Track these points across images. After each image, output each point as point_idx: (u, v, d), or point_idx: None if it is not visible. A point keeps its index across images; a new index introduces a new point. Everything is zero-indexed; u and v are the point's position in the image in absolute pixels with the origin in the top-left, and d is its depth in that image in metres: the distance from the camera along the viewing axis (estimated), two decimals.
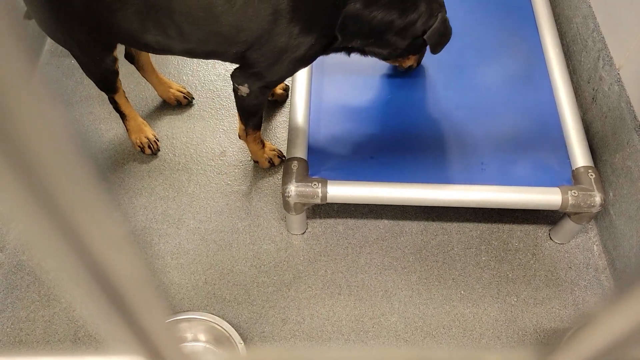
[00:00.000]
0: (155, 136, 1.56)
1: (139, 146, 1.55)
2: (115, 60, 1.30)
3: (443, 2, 1.27)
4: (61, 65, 1.70)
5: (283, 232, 1.43)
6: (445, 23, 1.24)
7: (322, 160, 1.34)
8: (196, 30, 1.13)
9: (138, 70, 1.55)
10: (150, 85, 1.62)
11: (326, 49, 1.22)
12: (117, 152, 1.56)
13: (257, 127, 1.40)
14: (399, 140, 1.39)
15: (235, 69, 1.24)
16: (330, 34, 1.17)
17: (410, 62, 1.41)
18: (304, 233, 1.42)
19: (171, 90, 1.61)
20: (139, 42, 1.19)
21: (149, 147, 1.55)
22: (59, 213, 0.19)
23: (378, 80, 1.49)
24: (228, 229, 1.43)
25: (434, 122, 1.43)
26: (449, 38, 1.27)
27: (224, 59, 1.23)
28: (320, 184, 1.28)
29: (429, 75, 1.51)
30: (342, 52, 1.27)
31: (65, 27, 1.20)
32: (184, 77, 1.70)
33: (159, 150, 1.57)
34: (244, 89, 1.25)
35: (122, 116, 1.49)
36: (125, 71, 1.69)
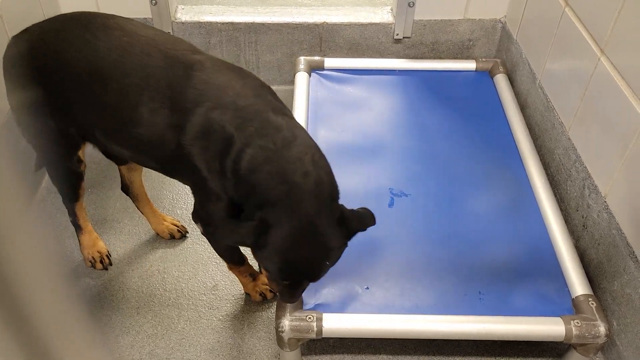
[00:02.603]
0: (107, 251, 1.56)
1: (90, 261, 1.54)
2: (80, 161, 1.33)
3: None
4: (56, 202, 1.72)
5: None
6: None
7: (316, 292, 1.31)
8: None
9: (133, 201, 1.57)
10: (144, 219, 1.63)
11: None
12: (107, 288, 1.52)
13: (237, 263, 1.37)
14: (394, 271, 1.37)
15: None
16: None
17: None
18: None
19: (165, 223, 1.62)
20: (103, 144, 1.26)
21: (101, 261, 1.54)
22: (44, 350, 0.18)
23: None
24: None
25: (429, 251, 1.42)
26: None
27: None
28: (315, 318, 1.24)
29: (420, 205, 1.53)
30: None
31: (38, 115, 1.25)
32: (178, 211, 1.72)
33: (111, 264, 1.55)
34: (199, 228, 1.26)
35: (78, 229, 1.50)
36: (120, 205, 1.71)
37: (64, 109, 1.23)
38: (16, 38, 1.26)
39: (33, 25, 1.27)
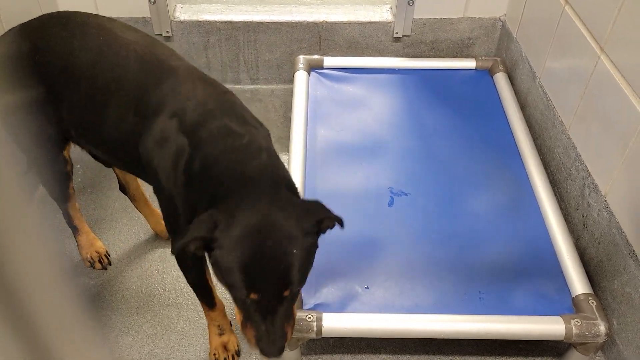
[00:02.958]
0: (106, 250, 1.55)
1: (89, 261, 1.53)
2: (66, 162, 1.32)
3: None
4: (54, 202, 1.72)
5: None
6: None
7: (316, 291, 1.31)
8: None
9: (131, 201, 1.57)
10: (143, 219, 1.63)
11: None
12: (106, 288, 1.52)
13: (207, 302, 1.27)
14: (394, 270, 1.37)
15: None
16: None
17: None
18: None
19: (163, 222, 1.62)
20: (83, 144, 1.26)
21: (100, 261, 1.53)
22: (44, 350, 0.18)
23: (371, 210, 1.51)
24: None
25: (429, 250, 1.42)
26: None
27: None
28: (315, 317, 1.23)
29: (419, 205, 1.53)
30: None
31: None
32: None
33: (110, 264, 1.55)
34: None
35: (74, 230, 1.50)
36: (119, 205, 1.71)
37: (45, 108, 1.22)
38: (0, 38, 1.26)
39: (19, 25, 1.26)
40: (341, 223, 1.01)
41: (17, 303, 0.17)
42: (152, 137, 1.07)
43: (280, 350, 0.97)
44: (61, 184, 1.37)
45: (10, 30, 1.26)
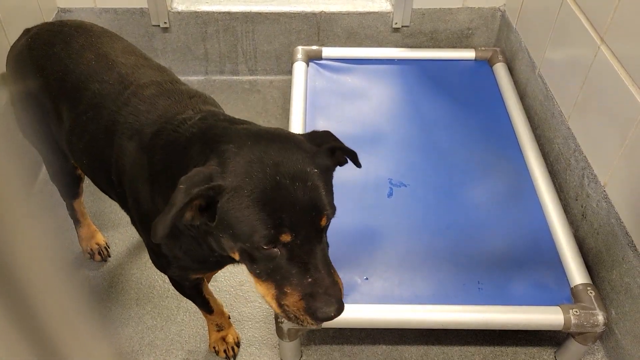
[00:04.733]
0: (106, 242, 1.55)
1: (89, 253, 1.54)
2: (76, 167, 1.31)
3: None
4: (54, 194, 1.71)
5: None
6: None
7: None
8: None
9: None
10: None
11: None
12: (105, 279, 1.52)
13: (206, 311, 1.25)
14: (393, 261, 1.37)
15: None
16: None
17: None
18: None
19: None
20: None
21: (99, 253, 1.54)
22: (46, 341, 0.18)
23: (371, 201, 1.51)
24: (218, 358, 1.36)
25: (428, 241, 1.42)
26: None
27: None
28: None
29: (418, 195, 1.53)
30: None
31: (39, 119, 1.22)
32: None
33: (110, 256, 1.56)
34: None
35: (76, 223, 1.51)
36: None
37: (48, 114, 1.20)
38: (22, 36, 1.25)
39: (35, 26, 1.26)
40: (355, 157, 0.88)
41: (19, 294, 0.17)
42: (119, 162, 1.00)
43: (342, 307, 0.76)
44: (72, 184, 1.38)
45: (28, 29, 1.25)
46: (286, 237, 0.73)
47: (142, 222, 1.00)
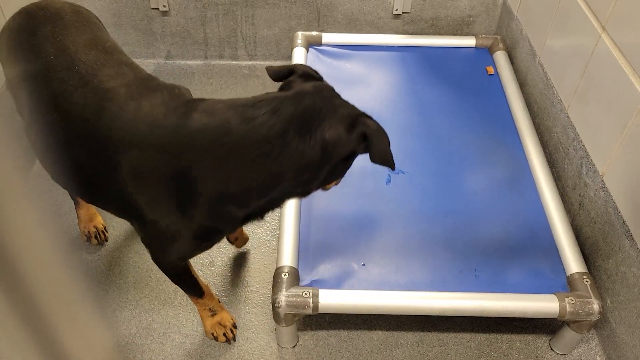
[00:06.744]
0: (104, 226, 1.55)
1: (86, 235, 1.53)
2: None
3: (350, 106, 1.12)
4: None
5: (273, 345, 1.36)
6: (379, 128, 1.08)
7: (313, 268, 1.32)
8: None
9: None
10: None
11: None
12: (103, 262, 1.52)
13: (196, 295, 1.28)
14: (391, 247, 1.38)
15: None
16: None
17: (333, 184, 1.13)
18: (294, 346, 1.36)
19: None
20: None
21: (96, 236, 1.53)
22: (43, 323, 0.18)
23: (369, 188, 1.51)
24: (215, 343, 1.36)
25: (425, 228, 1.43)
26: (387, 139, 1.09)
27: None
28: (311, 294, 1.24)
29: (417, 182, 1.53)
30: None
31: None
32: None
33: (107, 240, 1.55)
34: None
35: (76, 203, 1.51)
36: None
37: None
38: (14, 16, 1.21)
39: (26, 6, 1.22)
40: (383, 131, 1.09)
41: (16, 278, 0.17)
42: (129, 173, 1.00)
43: None
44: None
45: (22, 9, 1.20)
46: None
47: (154, 229, 1.07)
